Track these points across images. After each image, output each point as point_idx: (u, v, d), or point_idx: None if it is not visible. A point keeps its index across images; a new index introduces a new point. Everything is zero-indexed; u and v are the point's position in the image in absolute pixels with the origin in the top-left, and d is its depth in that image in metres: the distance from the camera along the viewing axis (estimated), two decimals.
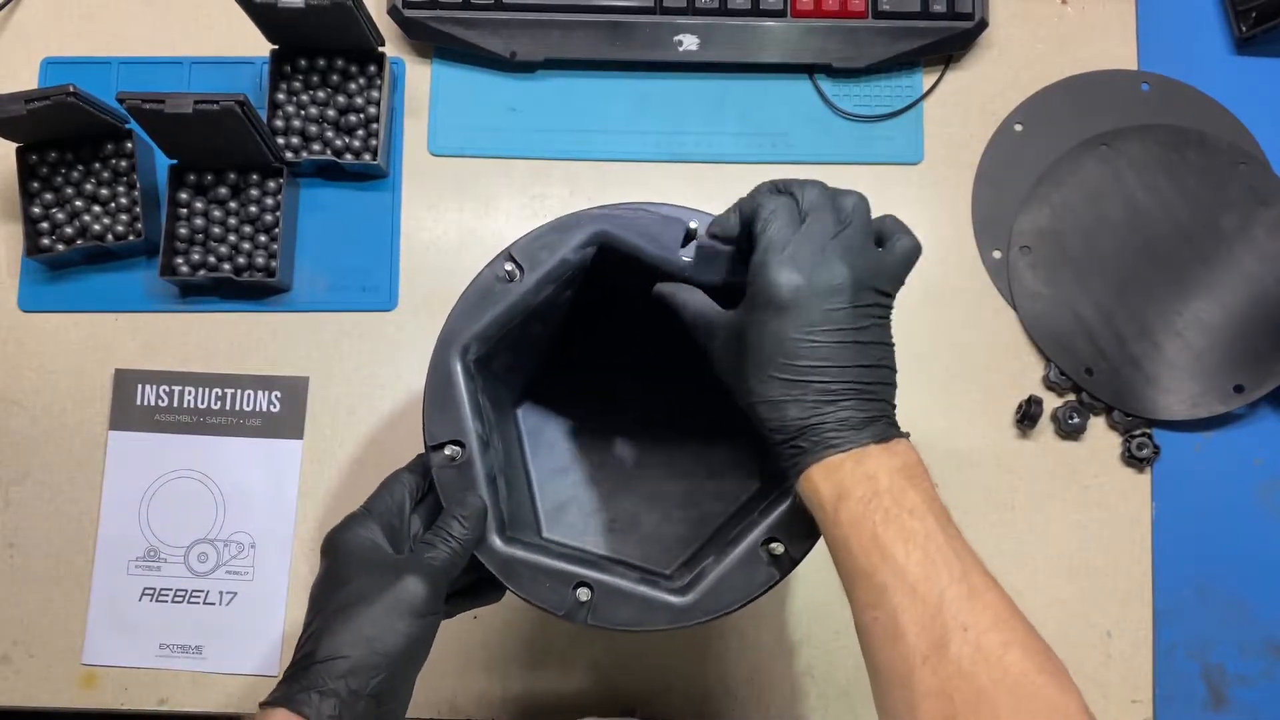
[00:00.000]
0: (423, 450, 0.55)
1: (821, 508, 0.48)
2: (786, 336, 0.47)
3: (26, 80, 0.80)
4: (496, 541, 0.54)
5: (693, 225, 0.55)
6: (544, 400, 0.67)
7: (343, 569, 0.52)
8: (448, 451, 0.55)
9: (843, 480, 0.47)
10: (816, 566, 0.74)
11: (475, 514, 0.53)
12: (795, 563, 0.54)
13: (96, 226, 0.76)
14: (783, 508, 0.54)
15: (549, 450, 0.66)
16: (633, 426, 0.67)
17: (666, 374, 0.67)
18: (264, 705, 0.49)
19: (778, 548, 0.53)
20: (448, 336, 0.56)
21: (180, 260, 0.76)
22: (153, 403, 0.76)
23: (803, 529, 0.53)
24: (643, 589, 0.54)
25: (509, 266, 0.57)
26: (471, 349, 0.56)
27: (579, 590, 0.53)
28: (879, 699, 0.46)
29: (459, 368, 0.55)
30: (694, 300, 0.54)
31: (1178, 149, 0.79)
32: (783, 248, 0.48)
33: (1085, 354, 0.76)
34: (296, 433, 0.76)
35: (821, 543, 0.52)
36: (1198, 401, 0.76)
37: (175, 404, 0.76)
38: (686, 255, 0.55)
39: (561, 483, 0.65)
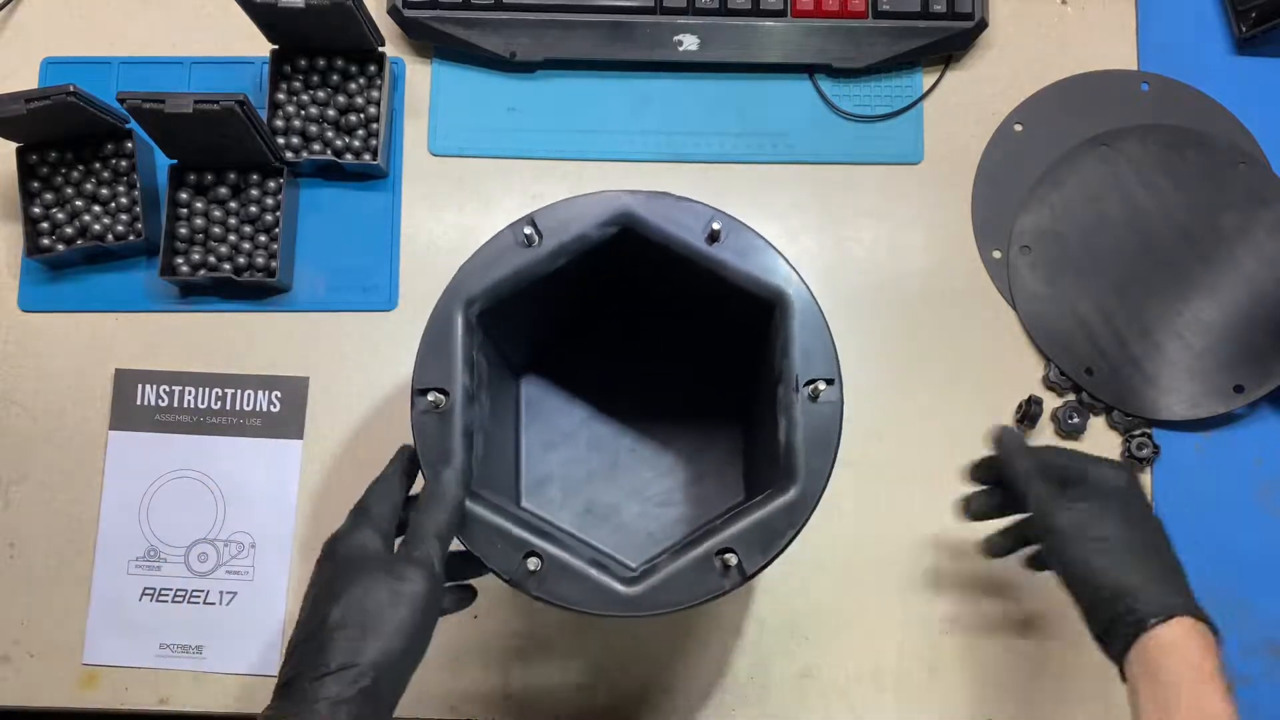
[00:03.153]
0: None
1: (1184, 672, 0.52)
2: (1137, 523, 0.58)
3: (26, 80, 0.80)
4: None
5: (716, 226, 0.55)
6: (550, 375, 0.67)
7: (342, 577, 0.52)
8: (431, 398, 0.54)
9: (1191, 651, 0.53)
10: (819, 565, 0.74)
11: (454, 507, 0.53)
12: (746, 578, 0.53)
13: (96, 226, 0.76)
14: (746, 522, 0.53)
15: (545, 424, 0.66)
16: (630, 416, 0.67)
17: (671, 369, 0.67)
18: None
19: (731, 559, 0.53)
20: (455, 288, 0.56)
21: (180, 260, 0.76)
22: (153, 403, 0.76)
23: (759, 545, 0.53)
24: (593, 571, 0.53)
25: (529, 231, 0.56)
26: (476, 304, 0.56)
27: (529, 559, 0.53)
28: None
29: (460, 319, 0.55)
30: (1042, 490, 0.59)
31: (1178, 149, 0.79)
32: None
33: (1085, 354, 0.76)
34: (296, 433, 0.76)
35: (782, 558, 0.53)
36: (1198, 401, 0.76)
37: (175, 404, 0.76)
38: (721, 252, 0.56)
39: (550, 457, 0.65)
